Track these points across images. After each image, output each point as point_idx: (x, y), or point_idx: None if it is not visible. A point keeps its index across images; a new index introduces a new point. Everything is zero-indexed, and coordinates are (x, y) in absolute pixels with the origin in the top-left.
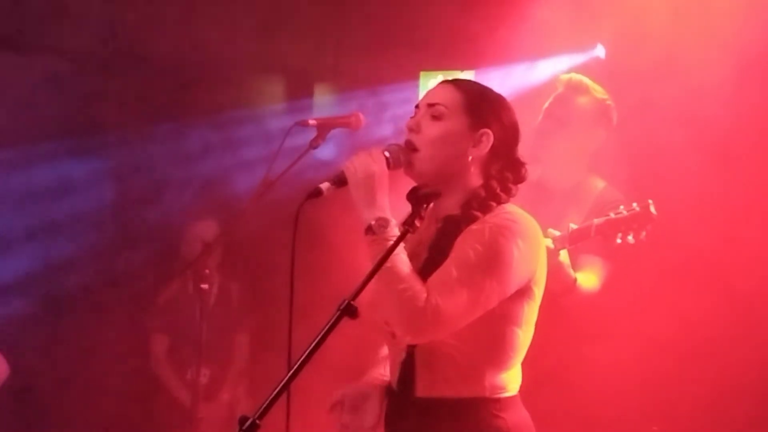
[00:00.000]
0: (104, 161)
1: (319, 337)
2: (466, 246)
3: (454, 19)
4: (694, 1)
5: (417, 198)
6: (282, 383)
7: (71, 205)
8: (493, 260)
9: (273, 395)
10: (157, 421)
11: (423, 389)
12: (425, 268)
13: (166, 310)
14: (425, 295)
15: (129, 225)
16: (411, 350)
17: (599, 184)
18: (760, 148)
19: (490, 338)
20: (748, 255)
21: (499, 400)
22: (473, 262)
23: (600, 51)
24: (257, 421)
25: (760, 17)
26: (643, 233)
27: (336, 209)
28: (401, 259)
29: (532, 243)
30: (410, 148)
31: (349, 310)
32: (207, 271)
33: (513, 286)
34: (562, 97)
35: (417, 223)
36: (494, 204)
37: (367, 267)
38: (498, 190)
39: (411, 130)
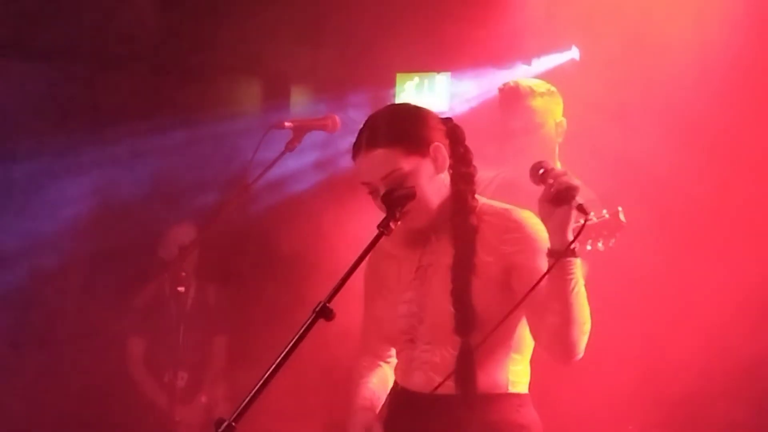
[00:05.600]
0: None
1: (295, 339)
2: (532, 263)
3: (430, 21)
4: (672, 4)
5: (392, 200)
6: (258, 385)
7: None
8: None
9: (249, 397)
10: (133, 424)
11: (480, 386)
12: (459, 263)
13: (143, 313)
14: None
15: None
16: (466, 348)
17: None
18: (741, 150)
19: (513, 329)
20: (730, 253)
21: (519, 395)
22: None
23: (575, 53)
24: (233, 424)
25: (745, 22)
26: (612, 240)
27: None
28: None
29: None
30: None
31: (325, 313)
32: (183, 273)
33: None
34: (508, 109)
35: (392, 225)
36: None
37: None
38: (469, 178)
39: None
